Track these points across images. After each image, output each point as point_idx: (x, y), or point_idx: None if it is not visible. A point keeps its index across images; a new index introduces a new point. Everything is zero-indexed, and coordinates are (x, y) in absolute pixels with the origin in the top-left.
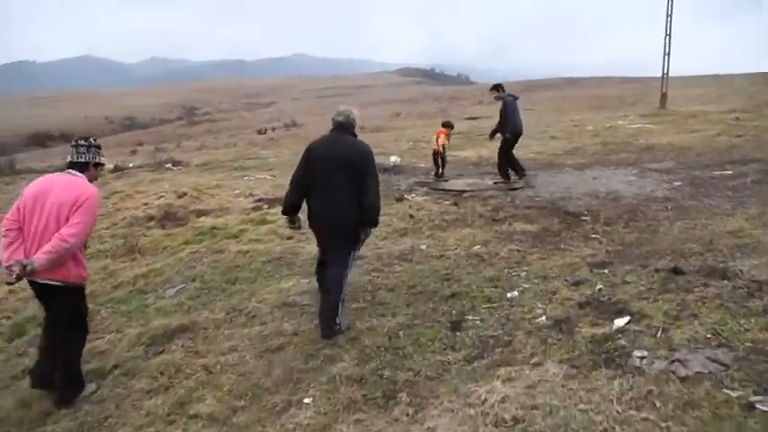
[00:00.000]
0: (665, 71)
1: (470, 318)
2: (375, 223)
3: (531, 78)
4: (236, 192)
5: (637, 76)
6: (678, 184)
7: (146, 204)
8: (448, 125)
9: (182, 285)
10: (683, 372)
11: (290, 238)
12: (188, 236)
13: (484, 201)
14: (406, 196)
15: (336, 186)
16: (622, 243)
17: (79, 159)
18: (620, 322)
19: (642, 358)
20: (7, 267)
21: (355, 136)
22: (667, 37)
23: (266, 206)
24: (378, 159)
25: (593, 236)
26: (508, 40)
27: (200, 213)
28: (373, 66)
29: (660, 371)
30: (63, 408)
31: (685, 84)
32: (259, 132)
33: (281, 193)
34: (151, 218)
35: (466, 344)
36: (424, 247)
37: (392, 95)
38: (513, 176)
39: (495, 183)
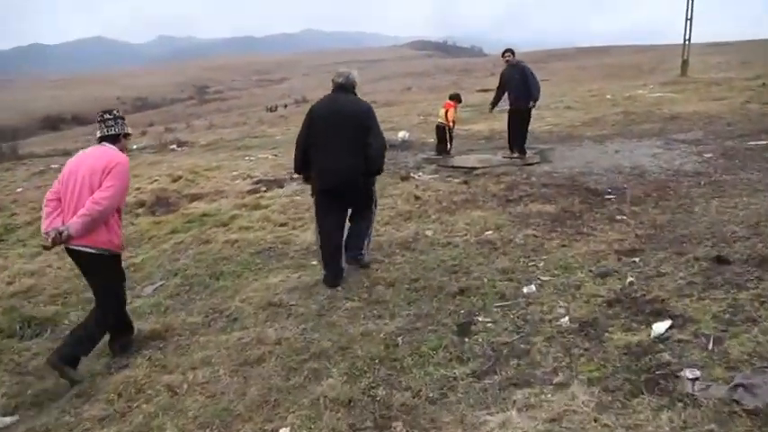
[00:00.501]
0: (687, 37)
1: (480, 319)
2: (379, 170)
3: (545, 48)
4: (235, 173)
5: (653, 43)
6: (709, 156)
7: (138, 189)
8: (456, 98)
9: (161, 282)
10: (750, 402)
11: (283, 224)
12: (177, 224)
13: (497, 178)
14: (412, 175)
15: (340, 142)
16: (653, 226)
17: (110, 132)
18: (659, 328)
19: (694, 380)
20: (45, 234)
21: (356, 96)
22: (690, 0)
23: (264, 188)
24: (386, 135)
25: (620, 217)
26: (521, 10)
27: (194, 198)
28: (384, 39)
29: (720, 400)
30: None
31: (705, 51)
32: (269, 110)
33: (282, 173)
34: (141, 204)
35: (475, 353)
36: (429, 233)
37: (403, 69)
38: (528, 152)
39: (511, 158)
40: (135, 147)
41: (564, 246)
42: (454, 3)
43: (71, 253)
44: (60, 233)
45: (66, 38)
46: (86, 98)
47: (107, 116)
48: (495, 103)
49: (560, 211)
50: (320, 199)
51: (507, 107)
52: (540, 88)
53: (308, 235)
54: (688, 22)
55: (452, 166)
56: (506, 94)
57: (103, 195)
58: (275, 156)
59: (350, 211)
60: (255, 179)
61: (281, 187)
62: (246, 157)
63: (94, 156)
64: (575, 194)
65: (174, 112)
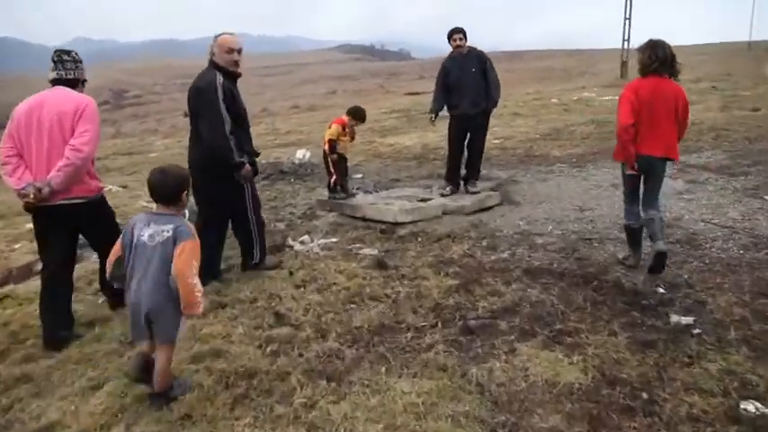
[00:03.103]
0: (626, 37)
1: None
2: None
3: None
4: (17, 232)
5: (576, 48)
6: None
7: None
8: (353, 114)
9: None
10: None
11: None
12: None
13: (439, 252)
14: (290, 242)
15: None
16: None
17: (67, 76)
18: None
19: None
20: (20, 193)
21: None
22: (627, 0)
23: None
24: (279, 153)
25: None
26: (449, 14)
27: None
28: (312, 43)
29: None
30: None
31: (631, 54)
32: (185, 115)
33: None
34: None
35: None
36: None
37: (330, 72)
38: (478, 185)
39: (469, 191)
40: None
41: None
42: (382, 7)
43: (50, 210)
44: (40, 189)
45: None
46: None
47: (65, 57)
48: (438, 107)
49: (593, 385)
50: None
51: (450, 113)
52: (500, 86)
53: None
54: (626, 21)
55: (361, 218)
56: (451, 94)
57: (83, 141)
58: (121, 188)
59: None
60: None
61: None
62: None
63: (57, 99)
64: (598, 307)
65: None
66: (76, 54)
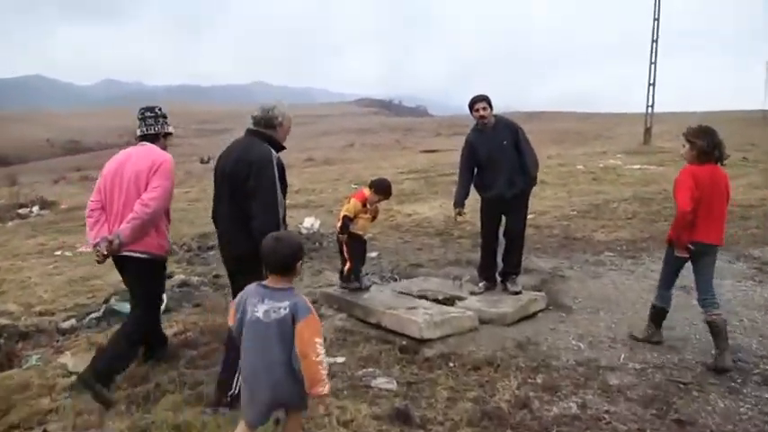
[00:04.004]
0: (650, 103)
1: None
2: None
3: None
4: None
5: (586, 111)
6: None
7: None
8: (378, 187)
9: None
10: None
11: None
12: None
13: (478, 382)
14: None
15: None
16: None
17: (149, 132)
18: None
19: None
20: (94, 247)
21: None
22: (653, 65)
23: None
24: (290, 219)
25: None
26: (465, 74)
27: None
28: (332, 95)
29: None
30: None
31: (655, 119)
32: (201, 161)
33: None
34: None
35: None
36: None
37: (348, 125)
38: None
39: (509, 290)
40: None
41: None
42: (401, 64)
43: (119, 260)
44: (111, 242)
45: (3, 74)
46: (11, 138)
47: (147, 114)
48: (464, 194)
49: None
50: None
51: (482, 196)
52: (537, 160)
53: None
54: (650, 87)
55: (375, 325)
56: (481, 174)
57: (152, 196)
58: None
59: None
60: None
61: None
62: (58, 252)
63: (137, 156)
64: None
65: (105, 158)
66: (159, 110)
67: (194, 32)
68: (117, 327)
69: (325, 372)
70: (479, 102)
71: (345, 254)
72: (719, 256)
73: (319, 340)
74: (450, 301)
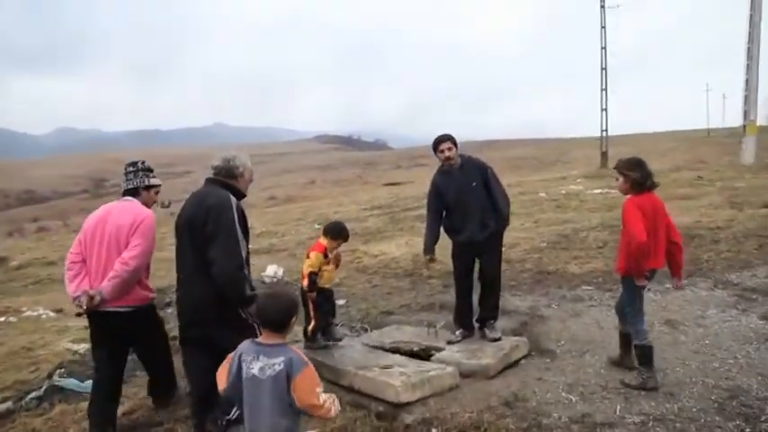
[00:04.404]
0: (604, 127)
1: None
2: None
3: None
4: None
5: (540, 137)
6: None
7: None
8: (334, 233)
9: None
10: None
11: None
12: None
13: None
14: None
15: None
16: None
17: (129, 186)
18: None
19: None
20: (74, 299)
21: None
22: (604, 92)
23: None
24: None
25: None
26: (422, 105)
27: None
28: (291, 134)
29: None
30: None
31: (596, 144)
32: (162, 205)
33: None
34: None
35: None
36: None
37: (309, 162)
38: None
39: (488, 337)
40: None
41: None
42: (359, 99)
43: (100, 316)
44: (92, 297)
45: None
46: None
47: (129, 168)
48: (433, 239)
49: None
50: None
51: (453, 239)
52: (508, 198)
53: None
54: (603, 112)
55: (347, 388)
56: (451, 218)
57: (132, 255)
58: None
59: None
60: None
61: None
62: None
63: (118, 211)
64: None
65: (62, 207)
66: (143, 163)
67: (152, 78)
68: (60, 408)
69: (332, 408)
70: (444, 142)
71: (311, 311)
72: (699, 285)
73: (319, 389)
74: (425, 352)
